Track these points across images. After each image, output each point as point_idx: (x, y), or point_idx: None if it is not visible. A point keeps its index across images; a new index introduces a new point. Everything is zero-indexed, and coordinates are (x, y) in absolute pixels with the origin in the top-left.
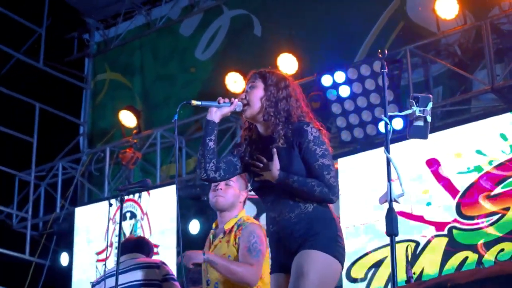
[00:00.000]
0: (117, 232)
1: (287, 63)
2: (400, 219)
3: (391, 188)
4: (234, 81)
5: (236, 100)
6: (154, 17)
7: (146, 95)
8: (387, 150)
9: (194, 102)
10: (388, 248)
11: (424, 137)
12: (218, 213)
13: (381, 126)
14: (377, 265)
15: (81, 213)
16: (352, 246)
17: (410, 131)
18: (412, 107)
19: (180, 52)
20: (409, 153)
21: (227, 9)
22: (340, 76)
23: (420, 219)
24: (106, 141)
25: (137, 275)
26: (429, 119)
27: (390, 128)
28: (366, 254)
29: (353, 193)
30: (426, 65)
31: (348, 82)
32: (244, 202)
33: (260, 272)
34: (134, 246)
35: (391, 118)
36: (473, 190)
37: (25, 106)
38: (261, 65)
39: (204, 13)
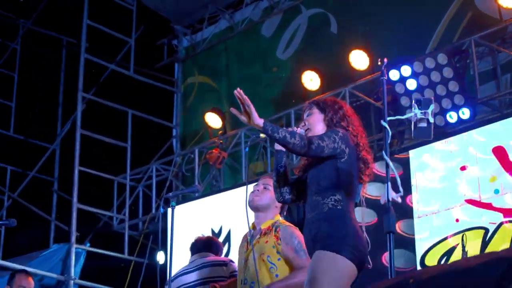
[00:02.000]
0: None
1: (359, 60)
2: (469, 207)
3: (389, 189)
4: (310, 79)
5: (298, 128)
6: (236, 20)
7: (232, 97)
8: (386, 153)
9: (263, 135)
10: (460, 235)
11: (428, 137)
12: (254, 214)
13: (449, 117)
14: (449, 252)
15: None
16: (425, 235)
17: (415, 133)
18: (414, 110)
19: (262, 52)
20: (477, 141)
21: (305, 9)
22: (406, 70)
23: (488, 206)
24: (195, 142)
25: (205, 273)
26: (431, 120)
27: (389, 133)
28: (439, 242)
29: (426, 182)
30: (494, 53)
31: (414, 75)
32: (282, 208)
33: None
34: (204, 246)
35: (392, 122)
36: None
37: (118, 114)
38: (335, 63)
39: (283, 13)
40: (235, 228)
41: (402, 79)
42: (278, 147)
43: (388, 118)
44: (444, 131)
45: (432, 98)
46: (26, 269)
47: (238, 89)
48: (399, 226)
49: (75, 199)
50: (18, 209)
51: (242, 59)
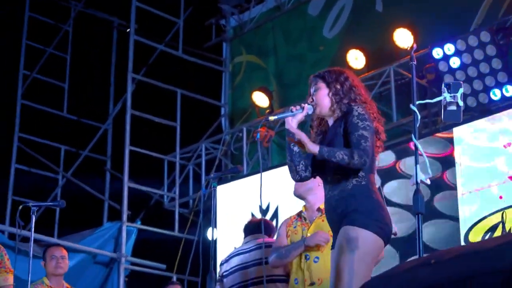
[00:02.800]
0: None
1: (403, 38)
2: None
3: (417, 171)
4: (356, 58)
5: (306, 104)
6: None
7: (280, 75)
8: (415, 136)
9: (272, 118)
10: (500, 213)
11: (458, 119)
12: (305, 200)
13: (492, 94)
14: (493, 229)
15: (223, 190)
16: (468, 212)
17: (445, 116)
18: (443, 94)
19: (309, 31)
20: None
21: None
22: (450, 48)
23: None
24: (243, 120)
25: (258, 254)
26: (460, 103)
27: (418, 116)
28: (482, 219)
29: (468, 160)
30: None
31: (458, 53)
32: None
33: None
34: (257, 228)
35: (420, 106)
36: None
37: (168, 94)
38: (379, 41)
39: None
40: (283, 205)
41: (446, 57)
42: (288, 125)
43: (418, 102)
44: (487, 109)
45: (461, 82)
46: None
47: (288, 128)
48: (443, 204)
49: (126, 178)
50: (72, 188)
51: (289, 38)
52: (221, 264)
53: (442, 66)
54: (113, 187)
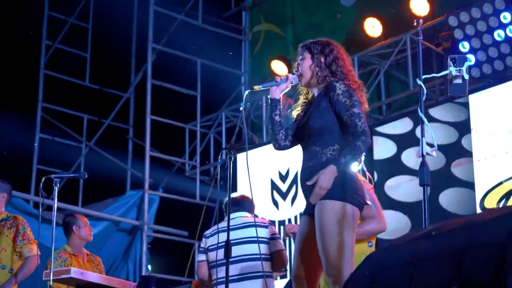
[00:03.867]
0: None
1: (419, 5)
2: None
3: (423, 144)
4: (373, 26)
5: (290, 74)
6: None
7: (298, 44)
8: (421, 110)
9: (256, 87)
10: None
11: (464, 93)
12: None
13: (508, 61)
14: (507, 196)
15: (243, 158)
16: (484, 178)
17: (451, 89)
18: (449, 68)
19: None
20: None
21: None
22: (465, 15)
23: None
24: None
25: (250, 233)
26: (466, 76)
27: (424, 91)
28: (497, 185)
29: (485, 127)
30: None
31: (473, 21)
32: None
33: (384, 219)
34: (240, 204)
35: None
36: None
37: (188, 63)
38: (396, 9)
39: None
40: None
41: (461, 25)
42: (272, 95)
43: (424, 76)
44: (503, 76)
45: (466, 56)
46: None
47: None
48: (460, 170)
49: (147, 147)
50: (95, 157)
51: (307, 6)
52: (206, 237)
53: (457, 34)
54: (136, 155)
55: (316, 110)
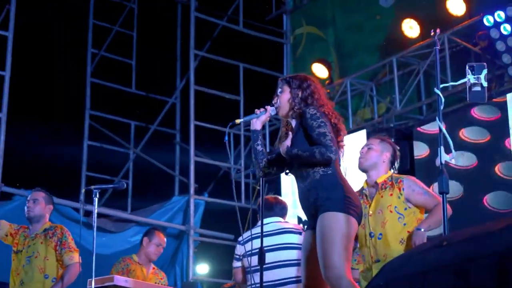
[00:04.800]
0: None
1: (456, 5)
2: None
3: (441, 152)
4: (410, 27)
5: (269, 106)
6: None
7: (339, 45)
8: (439, 119)
9: (238, 121)
10: None
11: (483, 100)
12: (366, 174)
13: None
14: None
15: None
16: None
17: (470, 96)
18: (467, 76)
19: (365, 1)
20: None
21: None
22: (500, 15)
23: None
24: None
25: (285, 239)
26: (484, 84)
27: (442, 99)
28: None
29: None
30: None
31: (508, 20)
32: (392, 163)
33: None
34: (273, 209)
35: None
36: None
37: (230, 68)
38: (433, 9)
39: None
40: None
41: (497, 24)
42: (253, 127)
43: (442, 85)
44: None
45: (485, 63)
46: (144, 222)
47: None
48: (499, 169)
49: (192, 152)
50: (143, 162)
51: (347, 8)
52: (240, 244)
53: (493, 33)
54: (183, 159)
55: (295, 138)
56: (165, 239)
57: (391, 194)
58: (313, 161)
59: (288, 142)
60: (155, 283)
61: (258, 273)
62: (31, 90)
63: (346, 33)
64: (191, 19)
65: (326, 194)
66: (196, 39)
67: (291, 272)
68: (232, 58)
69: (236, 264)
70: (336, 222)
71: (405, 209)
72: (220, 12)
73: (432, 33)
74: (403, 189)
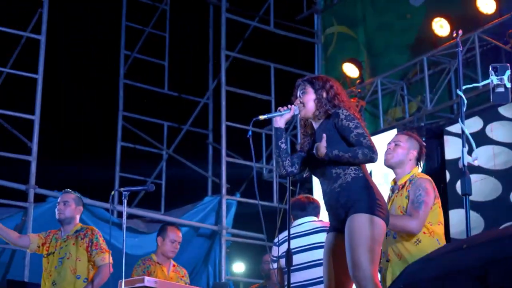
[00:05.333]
0: None
1: (486, 4)
2: None
3: (464, 154)
4: (441, 26)
5: (293, 106)
6: None
7: (369, 45)
8: (462, 121)
9: (261, 117)
10: None
11: (507, 101)
12: (393, 171)
13: None
14: None
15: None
16: None
17: (493, 97)
18: (491, 77)
19: (395, 0)
20: None
21: None
22: None
23: None
24: None
25: (321, 238)
26: (508, 85)
27: (465, 101)
28: None
29: None
30: None
31: None
32: (418, 160)
33: (422, 221)
34: (307, 209)
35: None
36: None
37: (262, 68)
38: (463, 8)
39: None
40: (375, 170)
41: None
42: (277, 124)
43: (464, 87)
44: None
45: (508, 64)
46: (176, 223)
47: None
48: None
49: (223, 153)
50: (176, 162)
51: (377, 7)
52: (276, 245)
53: None
54: (216, 159)
55: (330, 139)
56: (180, 234)
57: (401, 195)
58: (355, 162)
59: (324, 143)
60: (177, 281)
61: (294, 273)
62: (64, 93)
63: (376, 33)
64: (222, 20)
65: (357, 196)
66: (228, 39)
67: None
68: (263, 58)
69: (273, 265)
70: (366, 224)
71: None
72: (251, 12)
73: (454, 35)
74: (408, 190)
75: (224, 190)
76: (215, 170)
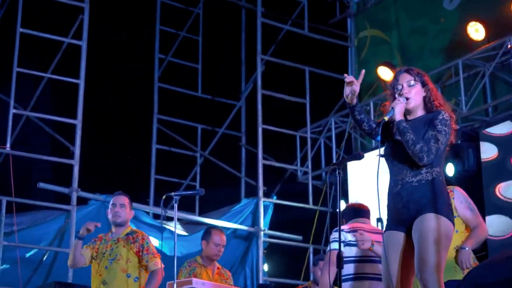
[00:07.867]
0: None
1: None
2: None
3: None
4: (476, 30)
5: (401, 98)
6: None
7: (403, 48)
8: None
9: (386, 118)
10: None
11: None
12: None
13: None
14: None
15: (353, 163)
16: None
17: None
18: None
19: (429, 4)
20: None
21: None
22: None
23: None
24: (370, 94)
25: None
26: None
27: None
28: None
29: None
30: None
31: None
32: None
33: (485, 224)
34: (363, 212)
35: None
36: None
37: (296, 71)
38: (498, 12)
39: None
40: None
41: None
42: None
43: None
44: None
45: None
46: (220, 226)
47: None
48: (499, 190)
49: (260, 156)
50: (210, 165)
51: (410, 10)
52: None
53: None
54: (249, 162)
55: (417, 127)
56: (224, 237)
57: None
58: (409, 148)
59: (402, 108)
60: (222, 283)
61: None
62: (103, 97)
63: (410, 36)
64: (258, 25)
65: (434, 196)
66: (262, 43)
67: (350, 268)
68: (297, 62)
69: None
70: (439, 225)
71: (455, 217)
72: (285, 16)
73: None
74: (453, 198)
75: (261, 192)
76: (247, 172)
